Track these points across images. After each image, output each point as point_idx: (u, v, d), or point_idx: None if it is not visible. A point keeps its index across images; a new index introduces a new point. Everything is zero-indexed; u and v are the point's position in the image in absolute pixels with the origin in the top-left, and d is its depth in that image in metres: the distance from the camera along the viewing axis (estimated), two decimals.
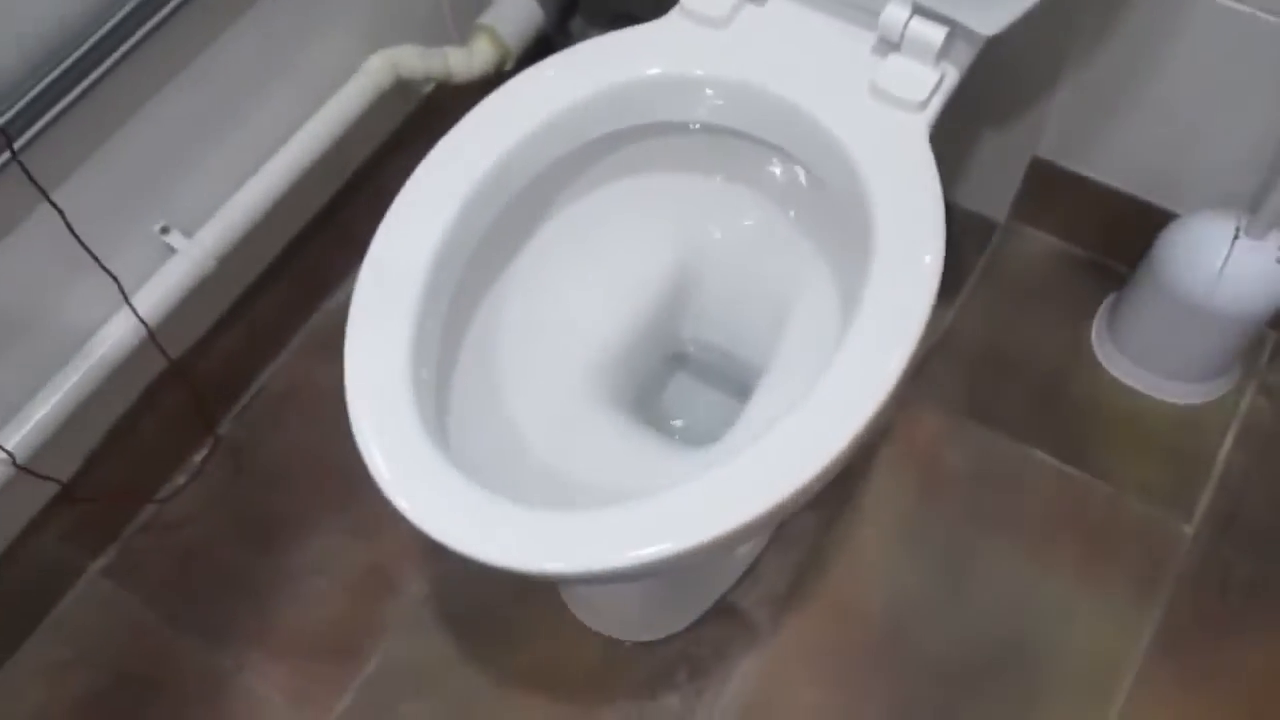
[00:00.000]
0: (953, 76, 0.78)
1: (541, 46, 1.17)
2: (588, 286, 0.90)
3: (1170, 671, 0.99)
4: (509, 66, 1.16)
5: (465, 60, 1.11)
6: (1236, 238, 0.98)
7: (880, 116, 0.76)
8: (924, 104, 0.76)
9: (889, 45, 0.78)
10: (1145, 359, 1.11)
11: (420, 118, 1.19)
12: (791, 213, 0.88)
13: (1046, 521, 1.06)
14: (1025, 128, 1.11)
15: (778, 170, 0.86)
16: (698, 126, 0.82)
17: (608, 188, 0.88)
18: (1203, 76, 0.96)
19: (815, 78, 0.78)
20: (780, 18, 0.82)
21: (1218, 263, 0.98)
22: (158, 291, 0.95)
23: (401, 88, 1.09)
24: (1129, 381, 1.13)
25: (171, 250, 0.96)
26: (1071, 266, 1.20)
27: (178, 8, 0.82)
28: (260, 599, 1.06)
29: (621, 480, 0.80)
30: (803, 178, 0.85)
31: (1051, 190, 1.16)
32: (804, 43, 0.80)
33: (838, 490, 1.08)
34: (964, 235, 1.23)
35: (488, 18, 1.13)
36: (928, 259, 0.71)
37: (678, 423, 1.04)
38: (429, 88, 1.17)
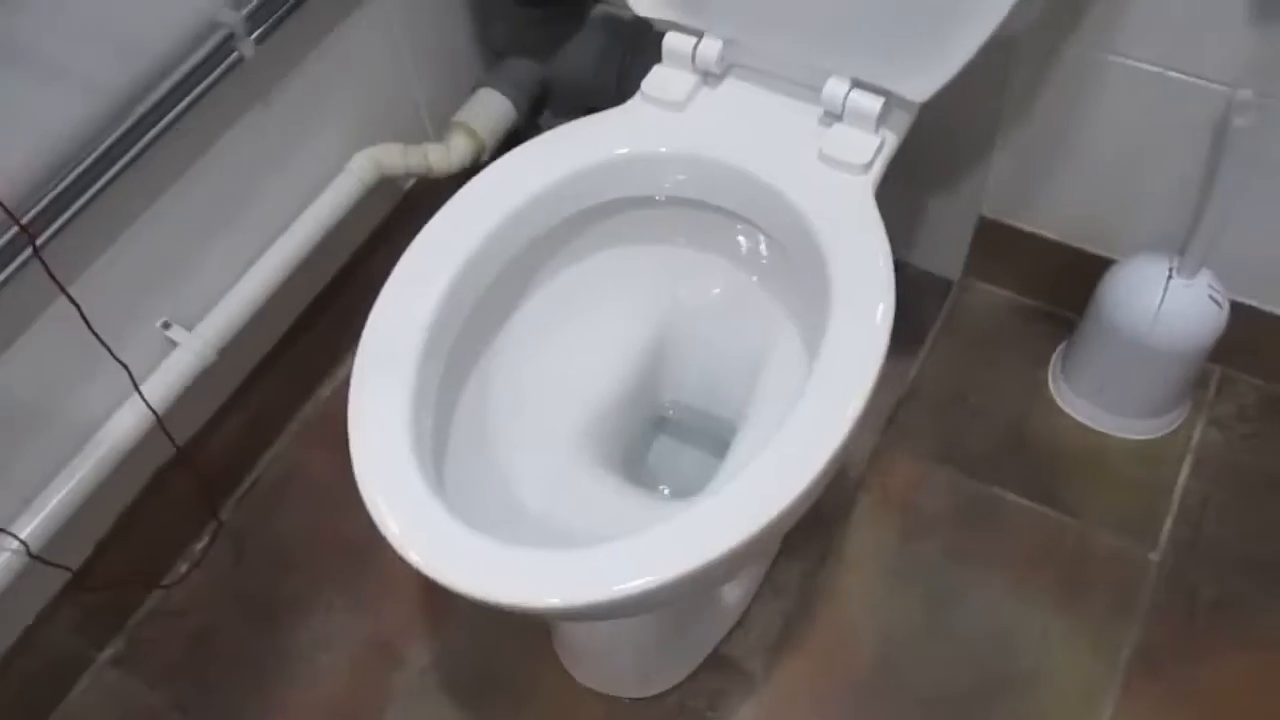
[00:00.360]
0: (893, 140, 0.86)
1: (514, 139, 1.25)
2: (572, 354, 0.95)
3: (1149, 693, 1.02)
4: (484, 159, 1.23)
5: (444, 155, 1.19)
6: (1170, 278, 1.05)
7: (829, 180, 0.84)
8: (868, 166, 0.84)
9: (833, 116, 0.86)
10: (1099, 399, 1.17)
11: (404, 210, 1.26)
12: (756, 277, 0.94)
13: (1021, 558, 1.11)
14: (969, 190, 1.19)
15: (742, 238, 0.93)
16: (663, 199, 0.90)
17: (588, 260, 0.95)
18: (1124, 131, 1.05)
19: (768, 149, 0.86)
20: (733, 98, 0.90)
21: (1155, 302, 1.05)
22: (162, 385, 1.00)
23: (385, 183, 1.16)
24: (1086, 421, 1.19)
25: (173, 344, 1.01)
26: (1025, 317, 1.27)
27: (179, 116, 0.89)
28: (267, 680, 1.08)
29: (612, 530, 0.85)
30: (764, 243, 0.91)
31: (1000, 247, 1.23)
32: (756, 118, 0.88)
33: (821, 539, 1.13)
34: (923, 294, 1.30)
35: (463, 115, 1.21)
36: (880, 308, 0.77)
37: (665, 489, 1.09)
38: (411, 182, 1.24)
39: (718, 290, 0.97)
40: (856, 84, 0.84)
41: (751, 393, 0.93)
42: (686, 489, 1.05)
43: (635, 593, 0.68)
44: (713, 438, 1.05)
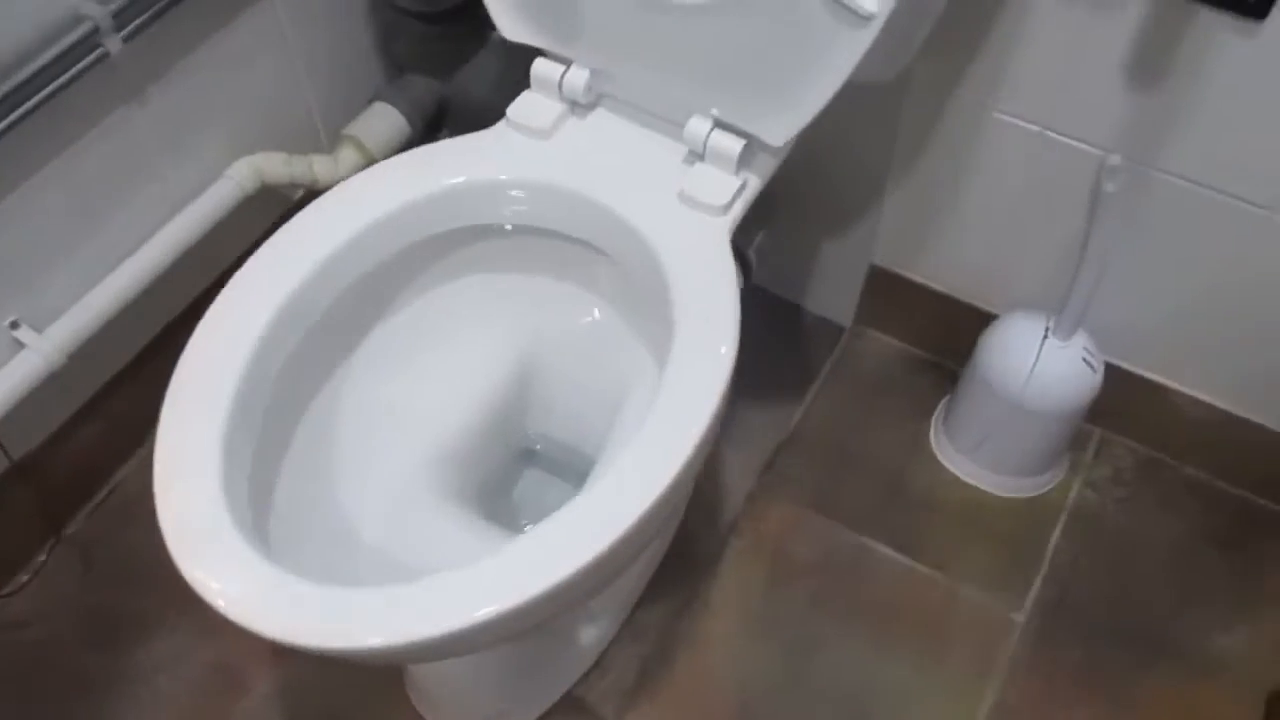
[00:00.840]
0: (755, 183, 0.85)
1: None
2: (428, 381, 0.93)
3: None
4: None
5: (331, 167, 1.16)
6: (1046, 338, 1.05)
7: (687, 219, 0.82)
8: (727, 207, 0.82)
9: (695, 155, 0.85)
10: (977, 455, 1.16)
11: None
12: (617, 310, 0.93)
13: (887, 610, 1.10)
14: (860, 238, 1.19)
15: (602, 270, 0.91)
16: (511, 228, 0.88)
17: (448, 286, 0.93)
18: (1006, 188, 1.05)
19: (628, 183, 0.84)
20: (600, 129, 0.88)
21: (1029, 362, 1.05)
22: (2, 387, 0.96)
23: (269, 193, 1.13)
24: (964, 476, 1.18)
25: (20, 345, 0.97)
26: (913, 367, 1.27)
27: (33, 109, 0.86)
28: (105, 699, 1.04)
29: (453, 564, 0.82)
30: (624, 277, 0.90)
31: (890, 296, 1.23)
32: (620, 151, 0.87)
33: (687, 583, 1.11)
34: (813, 339, 1.29)
35: (354, 128, 1.19)
36: (723, 348, 0.76)
37: (527, 525, 1.07)
38: (299, 194, 1.21)
39: (584, 321, 0.95)
40: (719, 124, 0.83)
41: (611, 426, 0.91)
42: None
43: (462, 628, 0.65)
44: (581, 473, 1.02)
